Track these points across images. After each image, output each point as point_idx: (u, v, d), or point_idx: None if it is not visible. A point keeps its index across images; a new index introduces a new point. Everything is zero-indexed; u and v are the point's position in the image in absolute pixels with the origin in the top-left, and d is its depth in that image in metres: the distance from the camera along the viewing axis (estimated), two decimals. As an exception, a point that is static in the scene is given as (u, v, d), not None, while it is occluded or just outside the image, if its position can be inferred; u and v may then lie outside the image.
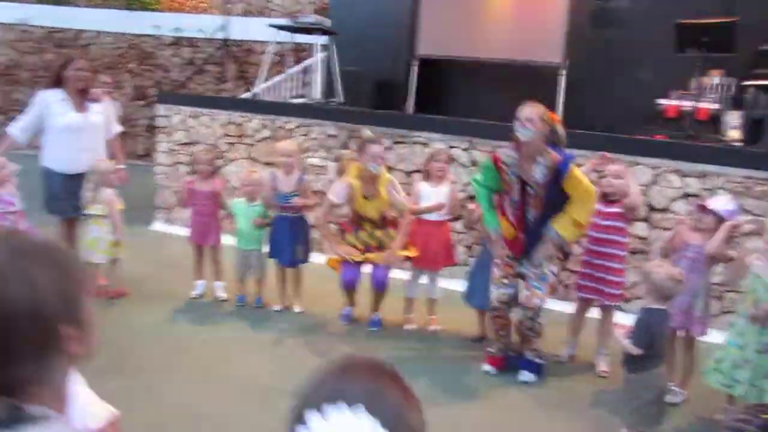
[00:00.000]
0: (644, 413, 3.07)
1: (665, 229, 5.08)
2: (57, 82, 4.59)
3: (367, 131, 4.54)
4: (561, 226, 3.65)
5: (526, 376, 3.90)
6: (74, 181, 4.63)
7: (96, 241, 4.61)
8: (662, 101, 6.46)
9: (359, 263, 4.46)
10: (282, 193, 4.68)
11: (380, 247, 4.49)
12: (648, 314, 3.14)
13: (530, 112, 3.55)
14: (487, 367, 4.00)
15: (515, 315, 3.89)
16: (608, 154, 4.26)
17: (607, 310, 4.16)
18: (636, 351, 3.05)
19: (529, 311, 3.76)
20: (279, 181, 4.70)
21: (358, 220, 4.53)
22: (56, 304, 0.95)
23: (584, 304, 4.27)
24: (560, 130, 3.68)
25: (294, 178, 4.70)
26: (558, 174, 3.56)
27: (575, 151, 4.82)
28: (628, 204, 4.02)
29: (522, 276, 3.84)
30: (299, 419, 0.78)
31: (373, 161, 4.31)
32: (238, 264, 4.83)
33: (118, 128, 5.16)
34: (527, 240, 3.76)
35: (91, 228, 4.64)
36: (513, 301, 3.85)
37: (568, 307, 4.56)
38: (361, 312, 4.71)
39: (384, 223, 4.52)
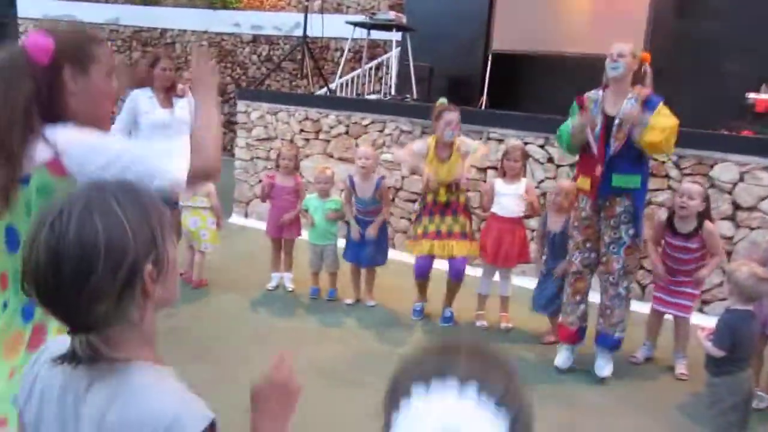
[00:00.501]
0: (729, 418, 2.96)
1: (752, 228, 4.87)
2: (145, 80, 4.83)
3: (442, 99, 4.56)
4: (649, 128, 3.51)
5: (602, 370, 3.84)
6: None
7: (197, 231, 4.88)
8: (752, 95, 6.15)
9: (432, 256, 4.54)
10: (360, 198, 4.76)
11: (450, 233, 4.49)
12: (731, 315, 3.03)
13: (621, 47, 3.57)
14: (559, 359, 3.95)
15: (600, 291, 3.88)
16: None
17: (681, 318, 4.07)
18: (718, 353, 2.95)
19: (610, 276, 3.76)
20: (357, 186, 4.77)
21: (431, 198, 4.50)
22: (139, 241, 0.94)
23: (659, 313, 4.18)
24: (649, 70, 3.67)
25: (372, 183, 4.75)
26: (646, 107, 3.52)
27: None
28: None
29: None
30: (401, 394, 0.73)
31: (449, 128, 4.36)
32: (312, 258, 4.94)
33: None
34: (606, 174, 3.67)
35: (194, 219, 4.90)
36: (594, 265, 3.86)
37: (646, 308, 4.44)
38: (433, 308, 4.74)
39: (457, 199, 4.50)
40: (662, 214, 4.02)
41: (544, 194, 5.62)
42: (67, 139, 1.51)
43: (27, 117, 1.51)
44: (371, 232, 4.70)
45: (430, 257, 4.54)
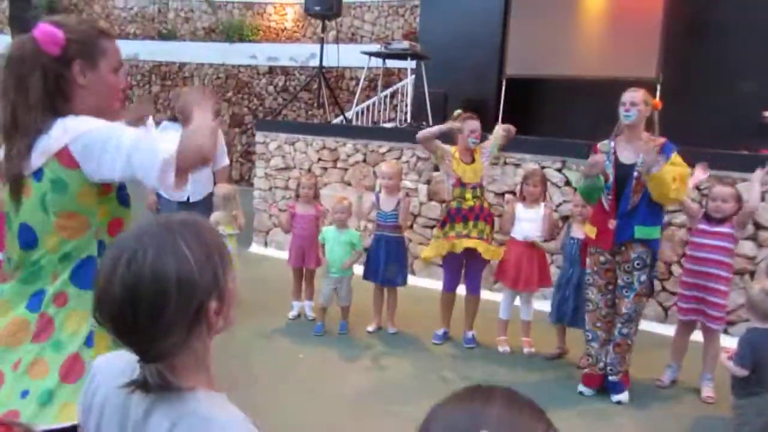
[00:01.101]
0: None
1: (775, 248, 4.83)
2: (174, 115, 4.95)
3: (458, 110, 4.74)
4: (657, 178, 3.53)
5: (619, 396, 3.83)
6: (189, 209, 4.94)
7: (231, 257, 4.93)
8: (769, 114, 6.16)
9: (459, 263, 4.66)
10: (382, 212, 4.83)
11: (469, 237, 4.56)
12: (751, 334, 3.04)
13: (634, 96, 3.66)
14: (583, 387, 3.95)
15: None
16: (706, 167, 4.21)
17: (710, 333, 4.00)
18: (741, 373, 2.95)
19: (618, 318, 3.78)
20: (381, 200, 4.87)
21: (456, 205, 4.58)
22: (205, 278, 1.00)
23: (686, 327, 4.13)
24: (656, 117, 3.91)
25: (395, 198, 4.84)
26: (661, 154, 3.56)
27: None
28: (746, 210, 3.89)
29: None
30: None
31: (473, 135, 4.53)
32: (324, 291, 4.83)
33: (226, 161, 5.46)
34: (620, 226, 3.69)
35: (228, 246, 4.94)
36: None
37: (670, 330, 4.41)
38: (453, 332, 4.74)
39: (481, 206, 4.59)
40: (682, 234, 4.03)
41: (563, 218, 5.63)
42: (73, 128, 1.53)
43: (41, 108, 1.53)
44: (392, 207, 4.77)
45: (457, 268, 4.69)
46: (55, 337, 1.56)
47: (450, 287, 4.76)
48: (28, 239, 1.59)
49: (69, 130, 1.53)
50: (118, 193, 1.65)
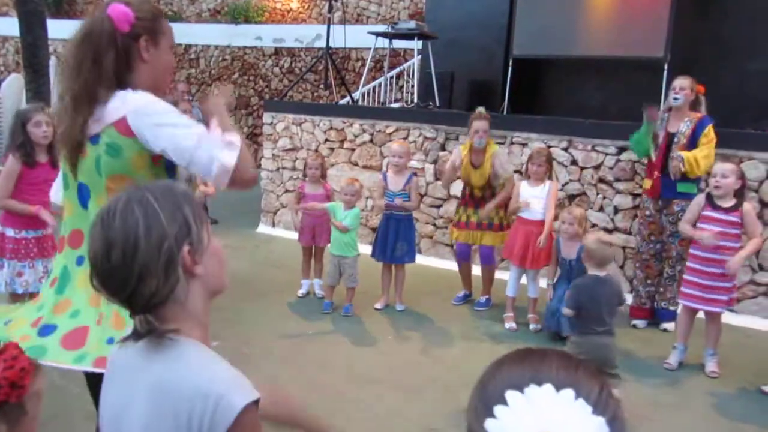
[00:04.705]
0: None
1: (780, 226, 4.86)
2: None
3: (480, 107, 4.92)
4: (686, 157, 4.39)
5: (666, 325, 4.71)
6: None
7: None
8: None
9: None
10: (390, 192, 4.88)
11: (480, 224, 4.92)
12: (581, 280, 3.53)
13: (682, 82, 4.51)
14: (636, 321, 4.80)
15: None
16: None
17: (714, 314, 4.02)
18: (568, 313, 3.44)
19: (668, 260, 4.69)
20: (389, 179, 4.92)
21: (469, 190, 4.99)
22: (174, 225, 1.09)
23: (691, 310, 4.14)
24: (702, 99, 4.59)
25: (404, 177, 4.89)
26: (698, 128, 4.43)
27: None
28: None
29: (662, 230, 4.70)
30: (494, 402, 0.71)
31: (477, 136, 4.74)
32: (330, 270, 4.86)
33: None
34: (665, 184, 4.58)
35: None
36: (659, 253, 4.76)
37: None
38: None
39: (492, 193, 4.91)
40: (699, 197, 4.08)
41: (569, 197, 5.67)
42: (133, 101, 1.68)
43: (112, 81, 1.69)
44: (398, 200, 4.81)
45: (468, 244, 5.02)
46: None
47: (463, 259, 5.16)
48: (84, 198, 1.77)
49: (128, 102, 1.67)
50: (166, 162, 1.78)
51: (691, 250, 4.06)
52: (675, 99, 4.49)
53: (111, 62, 1.68)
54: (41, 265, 3.59)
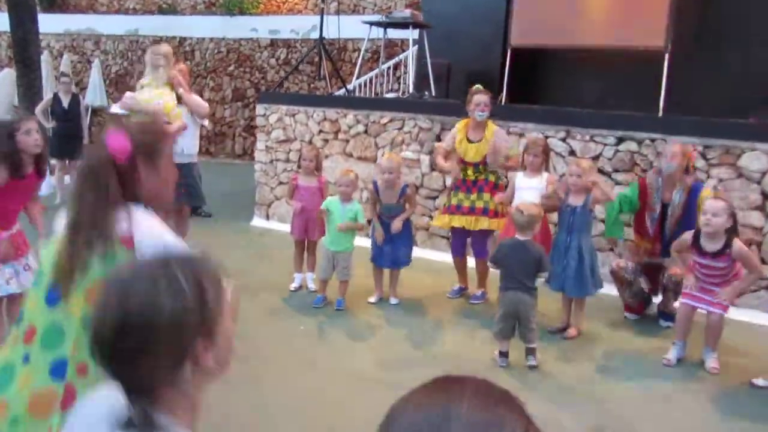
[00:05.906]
0: (499, 326, 3.83)
1: (783, 218, 4.76)
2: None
3: (477, 85, 4.88)
4: None
5: (668, 323, 4.54)
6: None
7: None
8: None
9: (465, 232, 4.83)
10: (385, 205, 4.77)
11: (473, 209, 4.76)
12: (506, 240, 3.95)
13: (675, 150, 4.40)
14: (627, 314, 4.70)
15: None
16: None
17: (714, 314, 3.92)
18: (492, 268, 3.91)
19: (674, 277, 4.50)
20: (381, 192, 4.78)
21: (462, 174, 4.81)
22: (197, 318, 1.02)
23: (690, 307, 4.04)
24: (691, 164, 4.50)
25: (396, 191, 4.76)
26: (691, 194, 4.35)
27: (681, 138, 4.68)
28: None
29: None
30: None
31: (478, 109, 4.66)
32: (323, 264, 4.76)
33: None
34: (663, 250, 4.51)
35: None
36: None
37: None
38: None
39: (486, 178, 4.77)
40: (686, 234, 3.96)
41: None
42: (140, 221, 1.75)
43: (117, 202, 1.74)
44: (397, 224, 4.71)
45: (462, 237, 4.87)
46: None
47: (457, 253, 5.00)
48: (54, 298, 1.74)
49: (136, 224, 1.74)
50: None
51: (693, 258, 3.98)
52: (668, 167, 4.37)
53: (114, 189, 1.75)
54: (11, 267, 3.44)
